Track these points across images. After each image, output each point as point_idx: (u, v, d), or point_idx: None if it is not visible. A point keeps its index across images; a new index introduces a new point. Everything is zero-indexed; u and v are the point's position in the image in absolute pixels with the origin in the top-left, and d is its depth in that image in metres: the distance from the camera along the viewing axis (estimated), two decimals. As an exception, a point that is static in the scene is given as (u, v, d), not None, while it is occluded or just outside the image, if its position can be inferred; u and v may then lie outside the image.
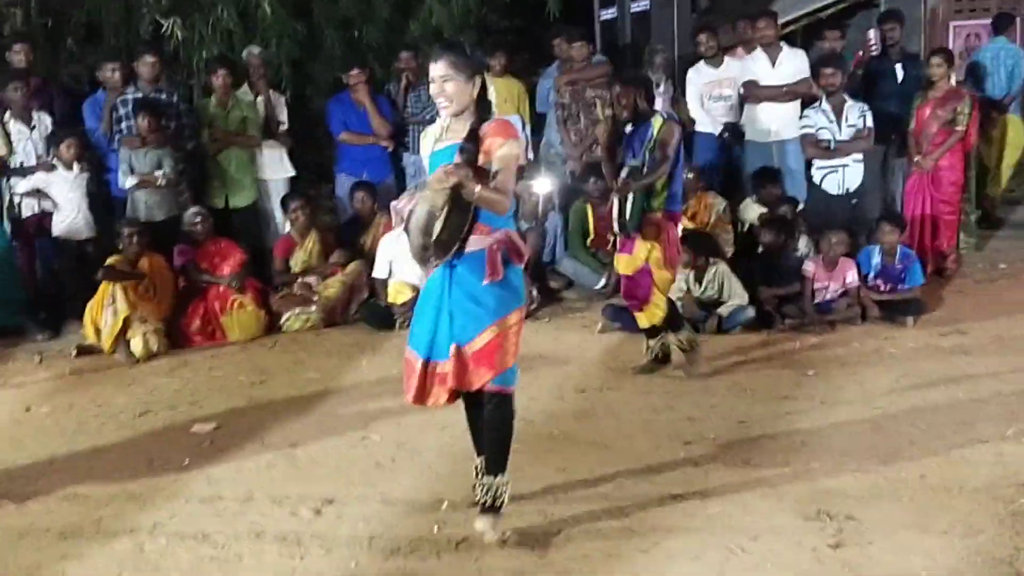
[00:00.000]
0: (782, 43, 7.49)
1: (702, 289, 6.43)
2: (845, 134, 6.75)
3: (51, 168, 6.81)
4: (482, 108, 3.47)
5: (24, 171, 6.84)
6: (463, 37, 9.82)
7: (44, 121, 6.96)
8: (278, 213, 7.46)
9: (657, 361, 5.57)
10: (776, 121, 7.32)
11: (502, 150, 3.37)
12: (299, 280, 6.97)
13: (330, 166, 8.30)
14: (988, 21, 10.40)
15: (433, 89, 3.45)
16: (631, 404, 5.07)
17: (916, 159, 6.98)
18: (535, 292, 6.95)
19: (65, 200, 6.85)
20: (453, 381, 3.45)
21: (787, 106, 7.29)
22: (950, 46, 10.29)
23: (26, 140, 6.87)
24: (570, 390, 5.34)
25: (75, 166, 6.85)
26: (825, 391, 5.10)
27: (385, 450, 4.57)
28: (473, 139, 3.38)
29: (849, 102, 6.78)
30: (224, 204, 7.34)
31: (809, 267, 6.36)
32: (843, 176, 6.80)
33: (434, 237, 3.33)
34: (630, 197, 5.21)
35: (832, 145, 6.79)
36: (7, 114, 6.84)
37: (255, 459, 4.54)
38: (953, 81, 7.22)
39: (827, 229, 6.39)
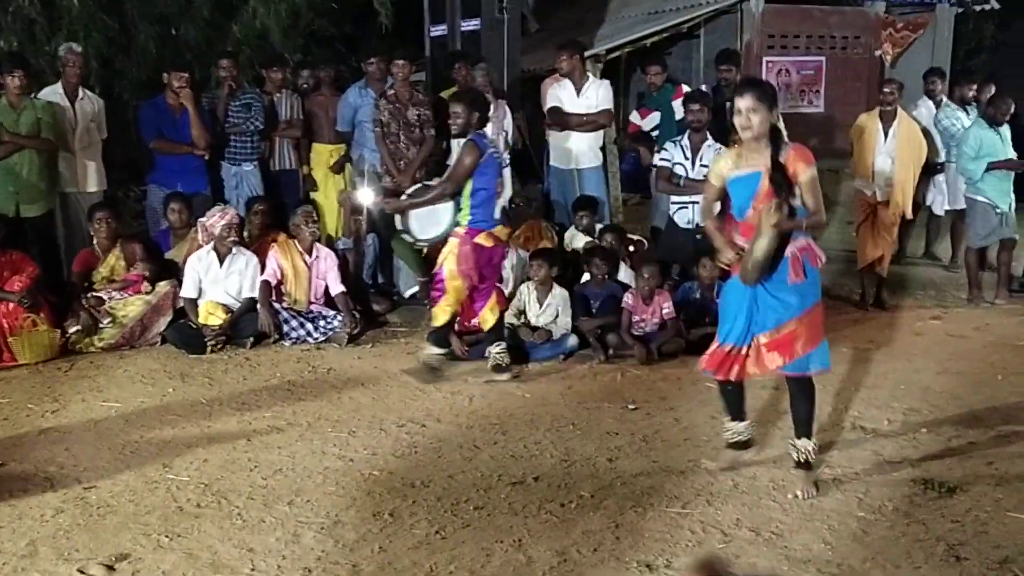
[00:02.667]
0: (588, 73, 7.59)
1: (541, 310, 6.38)
2: (697, 173, 6.88)
3: None
4: (776, 136, 4.04)
5: None
6: (289, 42, 9.53)
7: None
8: (84, 225, 6.91)
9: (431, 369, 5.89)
10: (577, 149, 7.41)
11: (806, 175, 3.97)
12: (89, 294, 6.47)
13: (142, 170, 7.79)
14: (799, 57, 10.94)
15: (739, 121, 3.99)
16: (453, 439, 4.94)
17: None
18: (357, 316, 6.74)
19: None
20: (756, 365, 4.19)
21: (588, 136, 7.41)
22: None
23: None
24: (391, 423, 5.16)
25: None
26: (646, 427, 5.12)
27: (189, 492, 4.25)
28: (779, 168, 3.96)
29: (708, 142, 6.91)
30: (16, 213, 6.71)
31: (628, 299, 6.43)
32: (692, 212, 6.93)
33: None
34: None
35: (683, 182, 6.90)
36: None
37: (41, 504, 4.12)
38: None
39: (672, 261, 6.51)
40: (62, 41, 7.62)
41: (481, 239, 5.71)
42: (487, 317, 5.96)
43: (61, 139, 6.87)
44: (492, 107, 7.17)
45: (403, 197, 6.01)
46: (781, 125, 4.24)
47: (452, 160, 5.85)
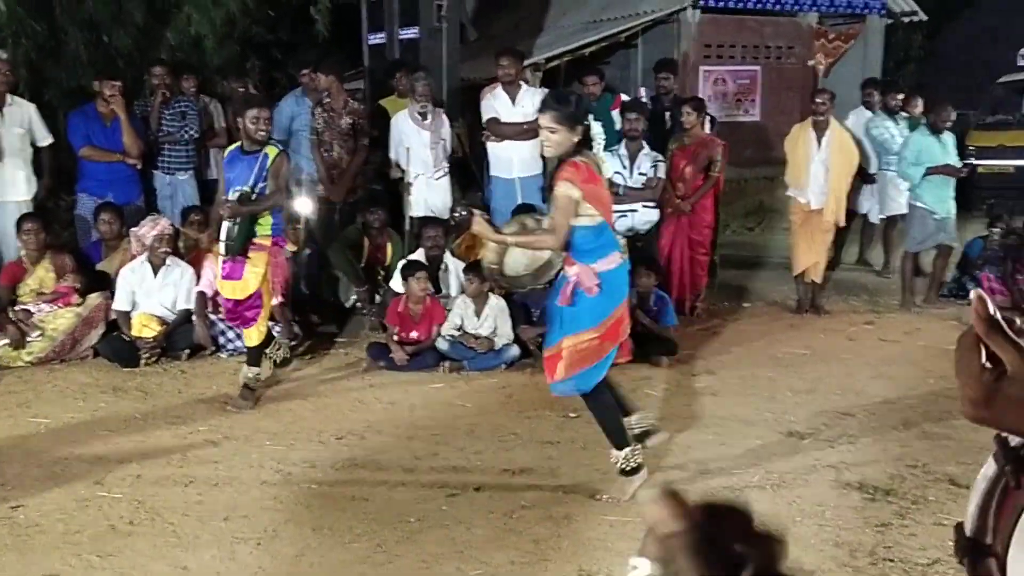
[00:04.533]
0: (522, 82, 7.61)
1: (480, 321, 6.37)
2: (635, 181, 6.92)
3: None
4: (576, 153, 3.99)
5: None
6: (224, 50, 9.40)
7: None
8: (11, 237, 6.72)
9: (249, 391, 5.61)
10: (516, 158, 7.43)
11: (557, 190, 3.94)
12: (17, 307, 6.30)
13: (71, 179, 7.61)
14: (735, 67, 11.12)
15: (540, 137, 3.99)
16: (393, 451, 4.90)
17: (676, 202, 7.24)
18: (295, 328, 6.65)
19: None
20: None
21: (527, 144, 7.43)
22: (700, 90, 10.93)
23: None
24: (330, 435, 5.10)
25: None
26: (586, 435, 5.12)
27: (122, 510, 4.15)
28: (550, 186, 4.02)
29: (645, 150, 6.97)
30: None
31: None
32: (631, 220, 6.99)
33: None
34: (233, 222, 5.34)
35: (621, 191, 6.95)
36: None
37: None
38: (707, 128, 7.57)
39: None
40: (-12, 47, 7.43)
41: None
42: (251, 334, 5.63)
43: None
44: (430, 116, 7.18)
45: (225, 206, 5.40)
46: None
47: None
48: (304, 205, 7.14)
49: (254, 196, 5.29)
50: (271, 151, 5.34)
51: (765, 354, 6.62)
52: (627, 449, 4.22)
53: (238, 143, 5.51)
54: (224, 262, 5.39)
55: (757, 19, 11.56)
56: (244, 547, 3.80)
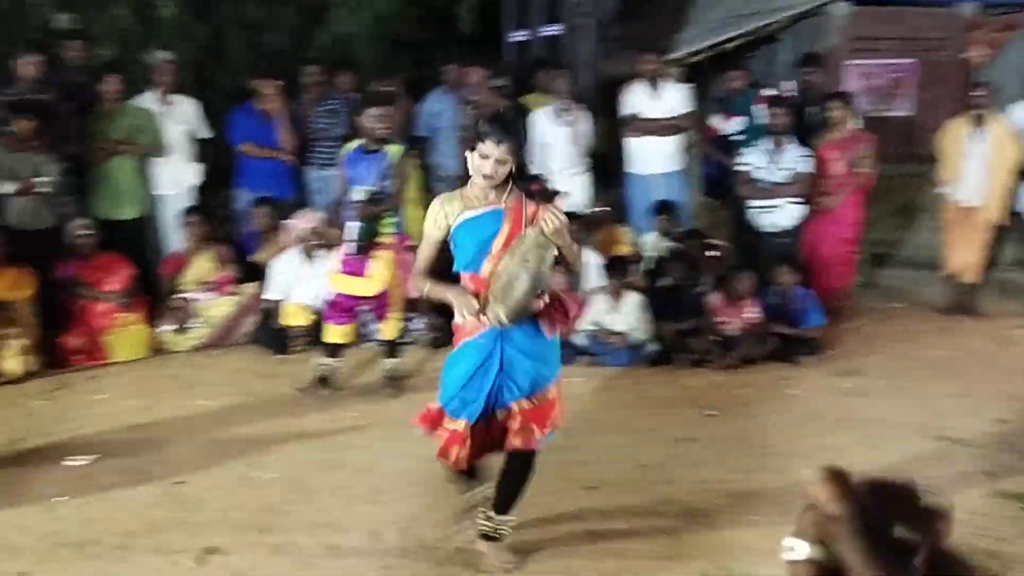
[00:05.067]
0: (664, 78, 7.53)
1: (617, 317, 6.38)
2: (779, 176, 6.81)
3: None
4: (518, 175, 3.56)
5: None
6: (372, 48, 9.67)
7: None
8: (175, 228, 7.14)
9: (323, 382, 5.70)
10: (656, 154, 7.37)
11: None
12: (179, 295, 6.67)
13: (229, 175, 7.99)
14: (885, 60, 10.73)
15: (487, 168, 3.37)
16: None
17: (819, 199, 7.07)
18: (439, 320, 6.78)
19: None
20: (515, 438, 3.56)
21: (668, 140, 7.36)
22: (847, 84, 10.59)
23: None
24: (470, 425, 5.21)
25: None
26: (726, 433, 5.08)
27: (276, 489, 4.36)
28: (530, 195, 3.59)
29: (790, 145, 6.85)
30: (110, 216, 6.94)
31: (712, 302, 6.38)
32: (775, 216, 6.87)
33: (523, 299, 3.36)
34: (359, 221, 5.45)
35: (764, 186, 6.86)
36: None
37: (136, 497, 4.28)
38: (854, 123, 7.34)
39: (750, 266, 6.45)
40: (156, 50, 7.86)
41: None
42: (386, 329, 5.85)
43: (154, 144, 7.09)
44: (571, 113, 7.22)
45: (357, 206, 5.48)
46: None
47: None
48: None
49: (377, 196, 5.42)
50: (393, 150, 5.45)
51: (915, 355, 6.39)
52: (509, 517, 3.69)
53: (359, 141, 5.59)
54: (346, 258, 5.56)
55: (910, 11, 11.09)
56: (389, 531, 3.94)
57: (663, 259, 6.89)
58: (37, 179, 6.41)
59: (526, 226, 3.40)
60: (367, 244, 5.47)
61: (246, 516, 4.08)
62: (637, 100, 7.36)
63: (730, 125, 7.83)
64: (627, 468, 4.62)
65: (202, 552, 3.73)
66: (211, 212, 7.41)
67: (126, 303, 6.42)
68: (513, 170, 3.44)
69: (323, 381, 5.70)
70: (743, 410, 5.46)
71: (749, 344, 6.28)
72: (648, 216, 7.29)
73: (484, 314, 3.34)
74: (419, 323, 6.71)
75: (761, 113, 7.31)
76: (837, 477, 0.73)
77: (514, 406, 3.51)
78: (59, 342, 6.23)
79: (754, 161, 6.93)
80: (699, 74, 9.41)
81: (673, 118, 7.36)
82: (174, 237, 7.16)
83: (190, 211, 7.00)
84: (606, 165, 7.78)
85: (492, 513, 3.64)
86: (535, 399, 3.53)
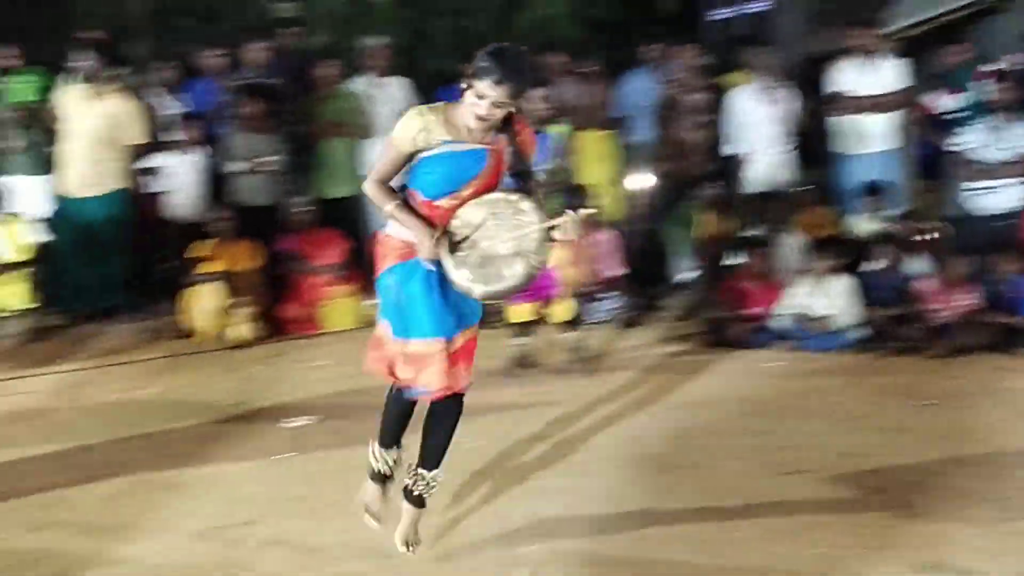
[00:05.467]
0: (881, 52, 7.18)
1: (823, 300, 6.22)
2: (1002, 155, 6.44)
3: (175, 149, 6.94)
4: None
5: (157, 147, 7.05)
6: (572, 30, 9.77)
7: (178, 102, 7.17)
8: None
9: (521, 363, 5.71)
10: (867, 132, 7.05)
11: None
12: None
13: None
14: None
15: (479, 110, 3.06)
16: (727, 425, 4.91)
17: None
18: (633, 299, 6.82)
19: (181, 182, 6.98)
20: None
21: (881, 117, 7.02)
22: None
23: (168, 118, 7.06)
24: (665, 406, 5.22)
25: (192, 149, 6.98)
26: (936, 424, 4.86)
27: (481, 457, 4.48)
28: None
29: (1017, 123, 6.45)
30: (326, 194, 7.37)
31: (925, 287, 6.10)
32: (996, 198, 6.50)
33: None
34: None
35: (986, 166, 6.50)
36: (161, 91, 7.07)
37: (350, 457, 4.40)
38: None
39: (964, 251, 6.14)
40: (369, 36, 8.22)
41: None
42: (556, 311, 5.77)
43: (365, 126, 7.43)
44: (776, 91, 7.04)
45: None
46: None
47: None
48: (640, 181, 7.31)
49: (543, 176, 5.31)
50: (557, 130, 5.38)
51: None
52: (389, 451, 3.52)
53: None
54: None
55: None
56: (591, 504, 4.00)
57: (872, 242, 6.62)
58: (264, 158, 6.91)
59: (502, 168, 3.17)
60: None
61: (453, 480, 4.24)
62: (848, 77, 7.07)
63: (947, 102, 7.43)
64: (829, 456, 4.49)
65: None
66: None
67: (339, 277, 6.79)
68: (512, 111, 3.13)
69: (521, 360, 5.81)
70: (955, 402, 5.19)
71: (964, 333, 5.95)
72: (857, 198, 7.02)
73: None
74: (613, 302, 6.75)
75: (982, 89, 6.89)
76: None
77: (457, 338, 3.22)
78: (277, 312, 6.67)
79: (973, 140, 6.54)
80: (916, 48, 8.96)
81: (887, 94, 7.03)
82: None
83: (400, 190, 7.28)
84: (810, 144, 7.54)
85: (421, 470, 3.41)
86: (468, 332, 3.27)
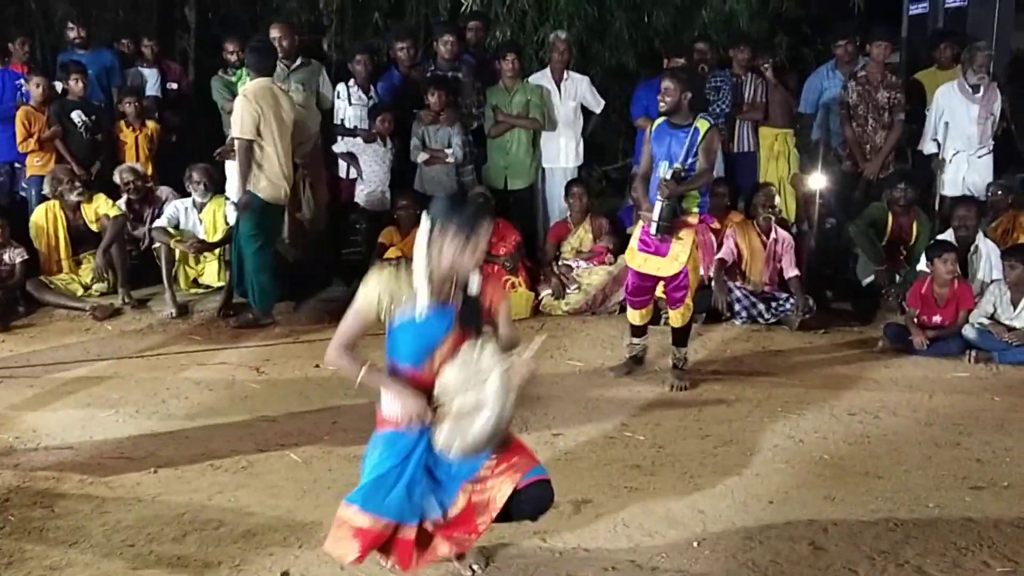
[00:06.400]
0: None
1: (1016, 312, 5.88)
2: None
3: (370, 138, 7.21)
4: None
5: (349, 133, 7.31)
6: (755, 26, 9.54)
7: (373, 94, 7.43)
8: (559, 200, 7.53)
9: (636, 361, 5.61)
10: None
11: (505, 305, 3.19)
12: (559, 262, 7.04)
13: (611, 148, 8.27)
14: None
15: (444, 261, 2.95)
16: (910, 434, 4.72)
17: None
18: (810, 301, 6.63)
19: (371, 172, 7.25)
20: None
21: None
22: None
23: (362, 108, 7.31)
24: (843, 410, 5.05)
25: (386, 141, 7.24)
26: None
27: (644, 451, 4.50)
28: (475, 302, 3.07)
29: None
30: (503, 186, 7.49)
31: None
32: None
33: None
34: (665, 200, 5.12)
35: None
36: (351, 83, 7.34)
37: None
38: None
39: None
40: (550, 30, 8.30)
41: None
42: (675, 316, 5.46)
43: (545, 119, 7.50)
44: (983, 89, 6.67)
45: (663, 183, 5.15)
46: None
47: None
48: (819, 181, 7.09)
49: (684, 174, 5.12)
50: (702, 125, 5.12)
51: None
52: None
53: (663, 117, 5.28)
54: (646, 236, 5.30)
55: None
56: (757, 503, 3.93)
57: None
58: (447, 149, 7.09)
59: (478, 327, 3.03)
60: (670, 223, 5.16)
61: (616, 472, 4.25)
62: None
63: None
64: (1020, 472, 4.25)
65: (576, 501, 3.94)
66: (594, 185, 7.73)
67: (512, 267, 6.89)
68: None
69: (636, 360, 5.69)
70: None
71: None
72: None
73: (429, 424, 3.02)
74: (787, 304, 6.58)
75: None
76: None
77: (452, 509, 3.07)
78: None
79: None
80: None
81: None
82: (558, 208, 7.56)
83: (575, 183, 7.34)
84: (1011, 146, 7.12)
85: None
86: (486, 474, 3.08)
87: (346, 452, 4.41)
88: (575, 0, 8.82)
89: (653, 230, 5.22)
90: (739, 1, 9.31)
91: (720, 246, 6.65)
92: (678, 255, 5.25)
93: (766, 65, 7.68)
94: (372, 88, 7.39)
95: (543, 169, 7.67)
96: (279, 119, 6.34)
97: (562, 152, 7.63)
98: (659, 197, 5.16)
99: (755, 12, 9.73)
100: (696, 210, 5.27)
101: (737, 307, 6.67)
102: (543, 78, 7.60)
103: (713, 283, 6.65)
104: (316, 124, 7.23)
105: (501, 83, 7.44)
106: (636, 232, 5.46)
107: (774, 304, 6.63)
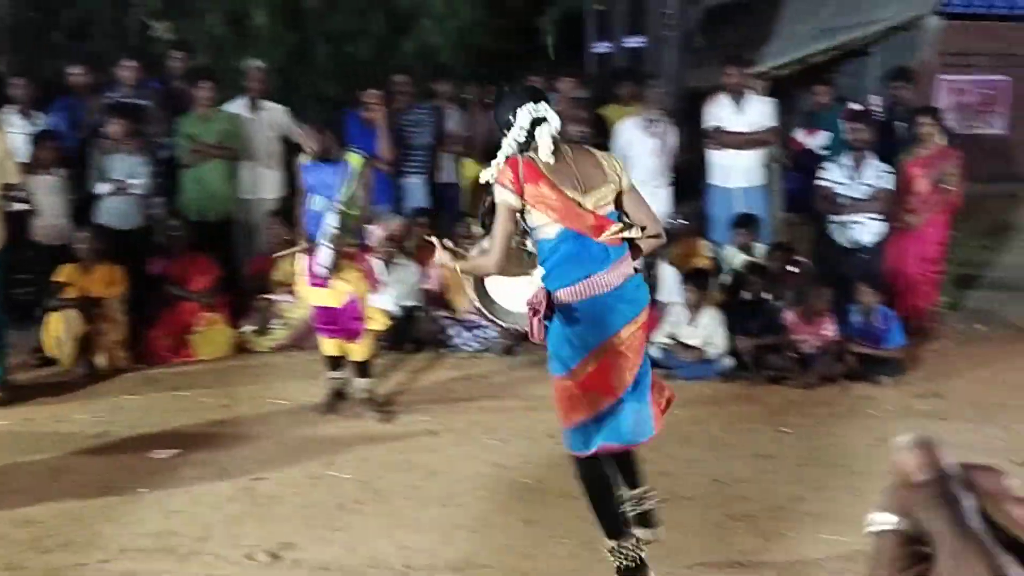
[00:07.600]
0: (750, 90, 7.45)
1: (693, 330, 6.33)
2: (860, 192, 6.72)
3: (31, 170, 6.61)
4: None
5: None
6: (456, 59, 9.81)
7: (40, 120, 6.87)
8: (261, 231, 7.29)
9: (338, 396, 5.58)
10: (738, 167, 7.30)
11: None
12: (262, 296, 6.83)
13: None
14: (978, 76, 10.45)
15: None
16: (604, 453, 4.96)
17: (903, 217, 6.92)
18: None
19: (46, 202, 6.68)
20: None
21: (750, 153, 7.28)
22: (937, 100, 10.36)
23: (26, 137, 6.74)
24: (542, 433, 5.22)
25: (50, 170, 6.69)
26: (802, 451, 5.01)
27: (349, 489, 4.43)
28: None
29: (870, 160, 6.74)
30: (199, 217, 7.15)
31: (788, 318, 6.30)
32: (856, 232, 6.79)
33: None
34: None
35: (845, 201, 6.77)
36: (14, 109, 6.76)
37: (214, 491, 4.40)
38: (942, 140, 7.15)
39: (830, 283, 6.36)
40: (248, 57, 8.07)
41: None
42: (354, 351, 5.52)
43: (243, 149, 7.27)
44: (659, 124, 7.19)
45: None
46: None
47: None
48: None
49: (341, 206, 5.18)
50: (353, 159, 5.24)
51: (999, 379, 6.21)
52: (618, 541, 3.49)
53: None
54: (312, 268, 5.27)
55: (1005, 25, 10.83)
56: (460, 533, 3.98)
57: (742, 273, 6.82)
58: (130, 180, 6.66)
59: None
60: (335, 254, 5.17)
61: (320, 514, 4.16)
62: (720, 112, 7.30)
63: (815, 140, 7.74)
64: (702, 482, 4.59)
65: (276, 547, 3.81)
66: (294, 218, 7.53)
67: (211, 302, 6.59)
68: None
69: (338, 395, 5.60)
70: (819, 429, 5.37)
71: (826, 362, 6.17)
72: (728, 229, 7.23)
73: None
74: (492, 331, 6.75)
75: (845, 127, 7.20)
76: (925, 446, 0.73)
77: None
78: (148, 339, 6.43)
79: (835, 176, 6.83)
80: (785, 87, 9.33)
81: (756, 132, 7.29)
82: (259, 240, 7.32)
83: (276, 215, 7.15)
84: (687, 177, 7.73)
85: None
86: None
87: (13, 516, 4.03)
88: (275, 28, 8.65)
89: (320, 272, 5.22)
90: (440, 34, 9.55)
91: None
92: (341, 287, 5.28)
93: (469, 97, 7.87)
94: (40, 114, 6.82)
95: (244, 200, 7.41)
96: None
97: (261, 182, 7.42)
98: (326, 243, 5.16)
99: (457, 46, 10.02)
100: (355, 240, 5.32)
101: (445, 336, 6.76)
102: (240, 107, 7.36)
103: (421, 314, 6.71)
104: None
105: (196, 111, 7.12)
106: (301, 266, 5.40)
107: (480, 331, 6.78)
